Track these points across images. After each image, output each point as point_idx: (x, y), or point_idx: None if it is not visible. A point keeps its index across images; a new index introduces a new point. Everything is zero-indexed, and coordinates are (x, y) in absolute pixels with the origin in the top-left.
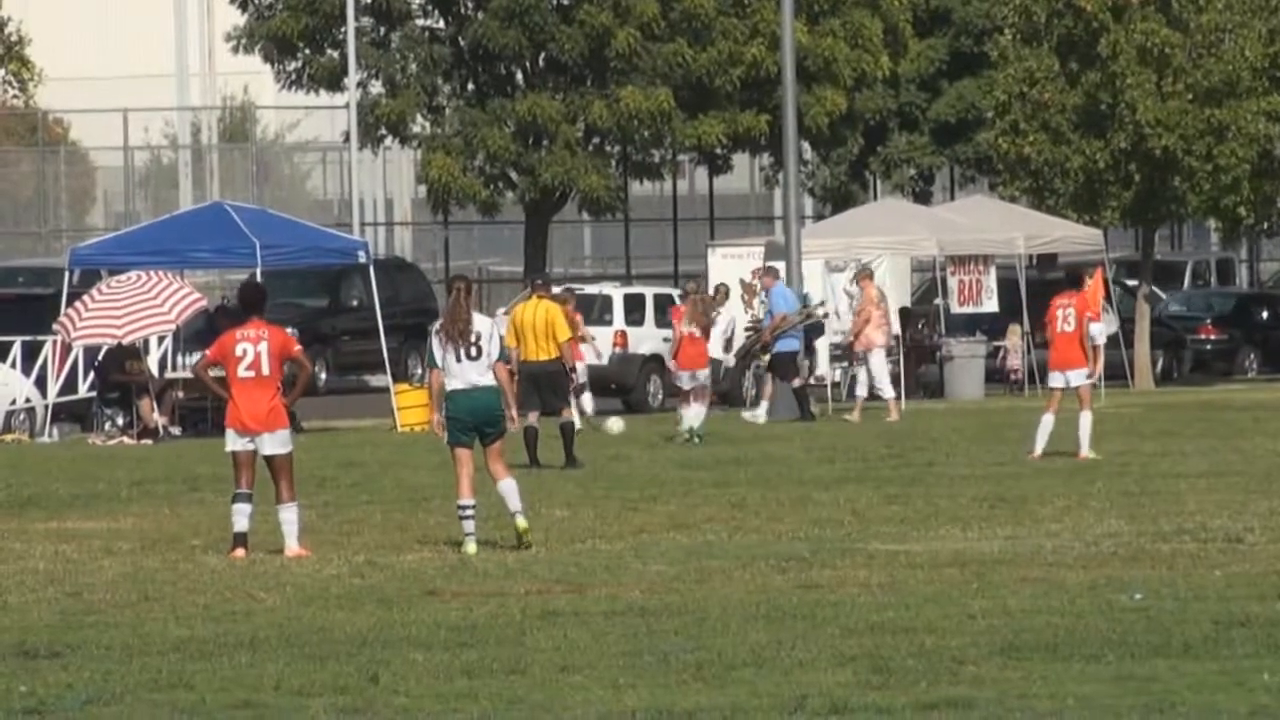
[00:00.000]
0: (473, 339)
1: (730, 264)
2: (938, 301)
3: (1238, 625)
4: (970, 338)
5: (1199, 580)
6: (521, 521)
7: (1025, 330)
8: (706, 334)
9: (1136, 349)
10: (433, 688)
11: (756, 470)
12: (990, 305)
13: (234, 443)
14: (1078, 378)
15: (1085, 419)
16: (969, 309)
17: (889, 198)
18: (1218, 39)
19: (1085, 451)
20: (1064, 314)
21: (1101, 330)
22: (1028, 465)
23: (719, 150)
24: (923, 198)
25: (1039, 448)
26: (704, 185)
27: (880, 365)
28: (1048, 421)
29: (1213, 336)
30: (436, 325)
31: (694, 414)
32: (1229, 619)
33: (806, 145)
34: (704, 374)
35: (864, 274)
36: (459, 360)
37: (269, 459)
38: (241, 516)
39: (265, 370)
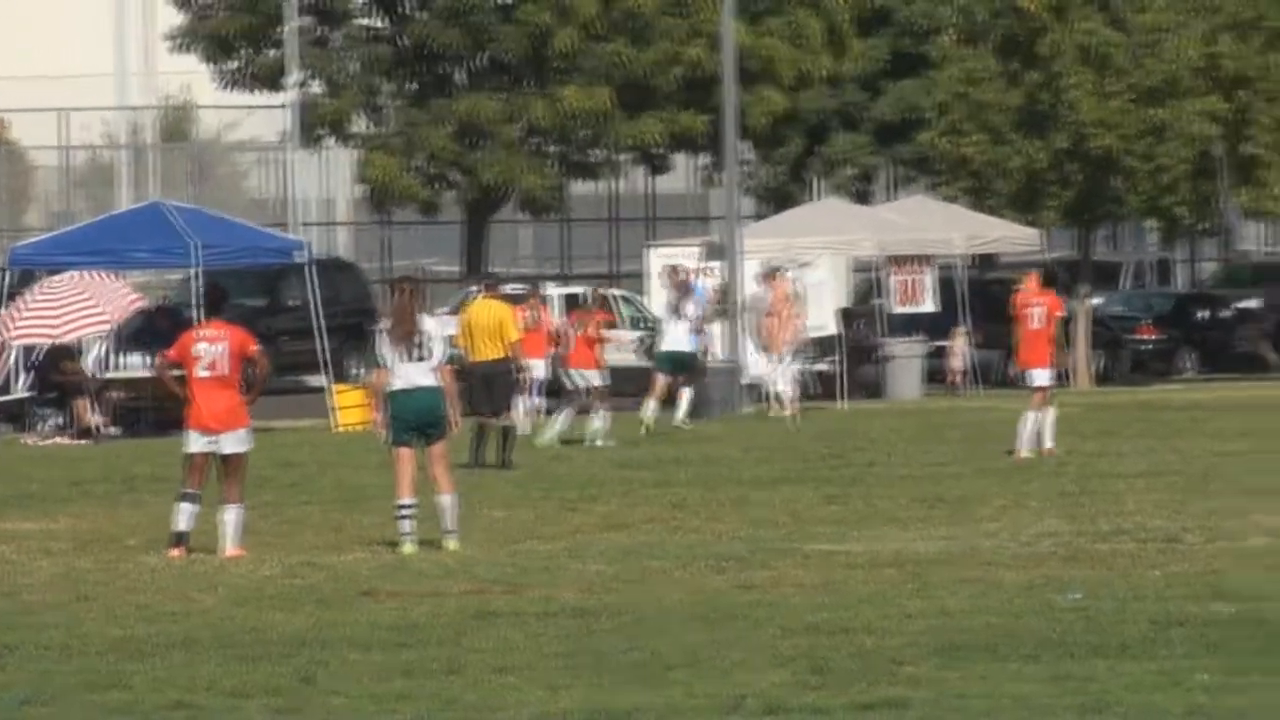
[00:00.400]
0: (418, 340)
1: (669, 264)
2: (877, 301)
3: (1175, 625)
4: (910, 338)
5: (1137, 580)
6: (452, 544)
7: (966, 330)
8: (598, 340)
9: (1075, 349)
10: (369, 688)
11: (695, 470)
12: (930, 305)
13: (195, 444)
14: (1040, 377)
15: (1032, 418)
16: (909, 309)
17: (829, 198)
18: (1157, 39)
19: (1024, 452)
20: (1034, 312)
21: None
22: (965, 466)
23: (658, 150)
24: (863, 198)
25: (1023, 447)
26: (643, 185)
27: (787, 364)
28: (1031, 419)
29: (1151, 337)
30: (383, 324)
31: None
32: (1166, 619)
33: (746, 145)
34: (593, 375)
35: (772, 274)
36: (404, 360)
37: (227, 458)
38: (184, 516)
39: (225, 370)
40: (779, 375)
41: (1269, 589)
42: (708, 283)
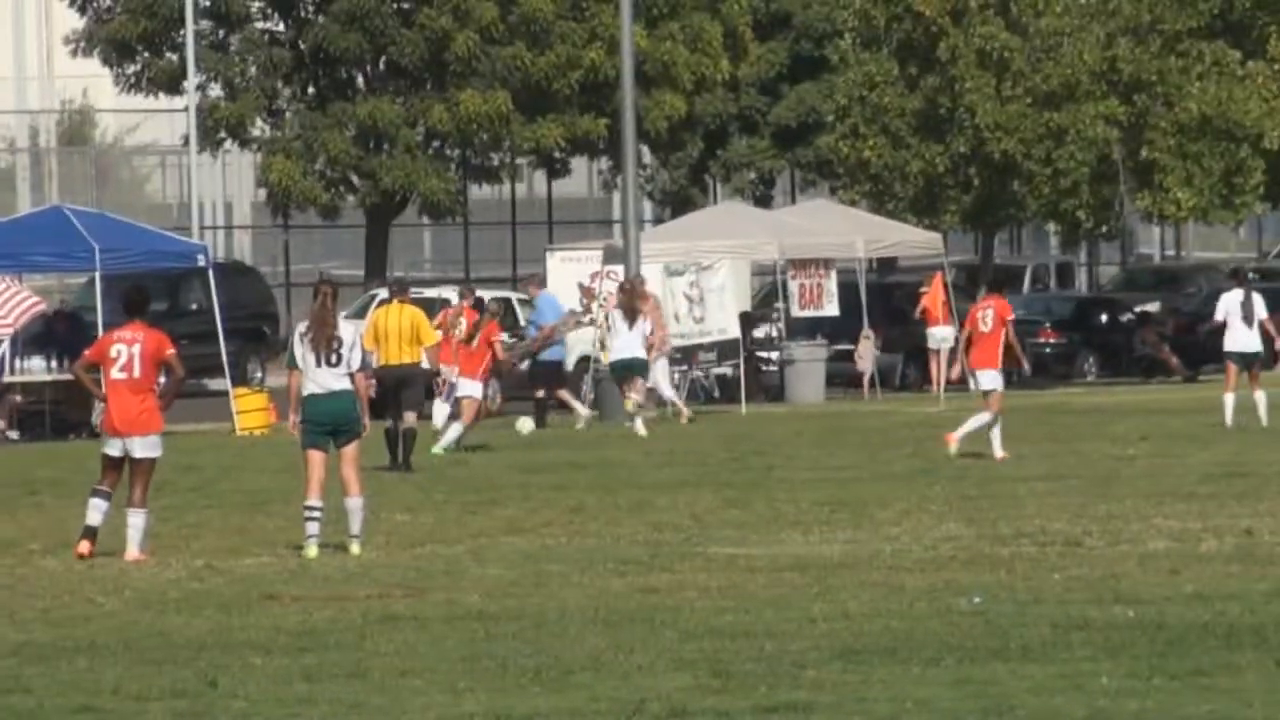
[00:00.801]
0: (335, 345)
1: (569, 267)
2: (779, 305)
3: (1076, 628)
4: (811, 341)
5: (1038, 584)
6: (355, 548)
7: (866, 334)
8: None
9: None
10: (272, 692)
11: (595, 474)
12: (831, 309)
13: (111, 447)
14: (987, 380)
15: (982, 419)
16: (810, 313)
17: (729, 201)
18: (1056, 43)
19: (956, 439)
20: (983, 315)
21: (950, 334)
22: (866, 470)
23: (558, 154)
24: (763, 201)
25: (996, 449)
26: (543, 189)
27: (662, 370)
28: (980, 419)
29: (1052, 340)
30: (302, 327)
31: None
32: (1067, 622)
33: (646, 149)
34: (467, 385)
35: (640, 282)
36: (318, 365)
37: (135, 461)
38: (96, 512)
39: (137, 373)
40: (657, 381)
41: (1169, 592)
42: (552, 298)
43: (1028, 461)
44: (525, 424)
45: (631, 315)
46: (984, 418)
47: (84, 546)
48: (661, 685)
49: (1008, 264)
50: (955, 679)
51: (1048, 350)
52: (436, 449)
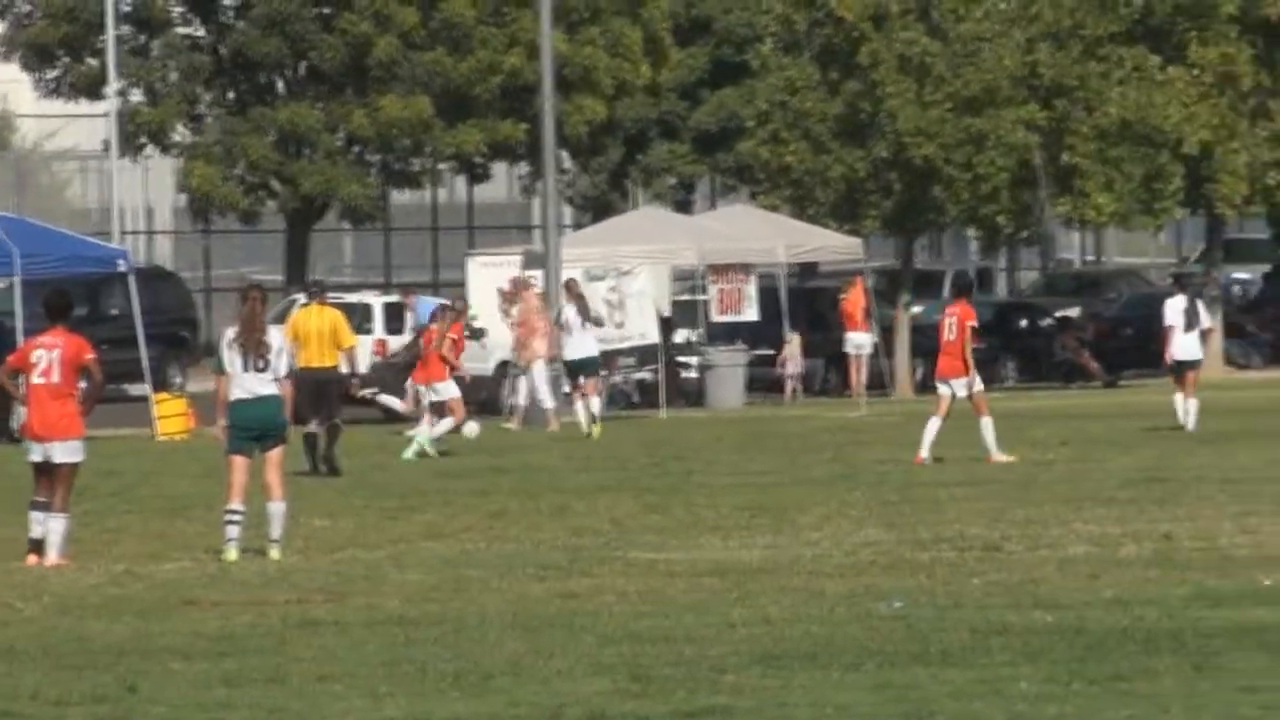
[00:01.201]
0: (263, 350)
1: (490, 273)
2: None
3: (995, 633)
4: (731, 346)
5: (957, 588)
6: (275, 553)
7: (789, 338)
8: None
9: (896, 357)
10: (192, 697)
11: (516, 479)
12: (750, 314)
13: (34, 453)
14: (961, 386)
15: (985, 424)
16: (729, 318)
17: (649, 206)
18: (977, 48)
19: (996, 455)
20: (949, 324)
21: (868, 340)
22: (786, 475)
23: (478, 159)
24: (683, 206)
25: (924, 451)
26: (464, 194)
27: (541, 375)
28: (933, 425)
29: (972, 345)
30: (230, 332)
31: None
32: (987, 627)
33: (566, 154)
34: (443, 388)
35: (524, 285)
36: (245, 370)
37: (55, 466)
38: (36, 524)
39: (56, 378)
40: (536, 387)
41: (1088, 597)
42: (427, 301)
43: (948, 466)
44: (472, 429)
45: (584, 314)
46: (935, 424)
47: (31, 559)
48: (580, 690)
49: (928, 269)
50: (875, 684)
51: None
52: (408, 454)
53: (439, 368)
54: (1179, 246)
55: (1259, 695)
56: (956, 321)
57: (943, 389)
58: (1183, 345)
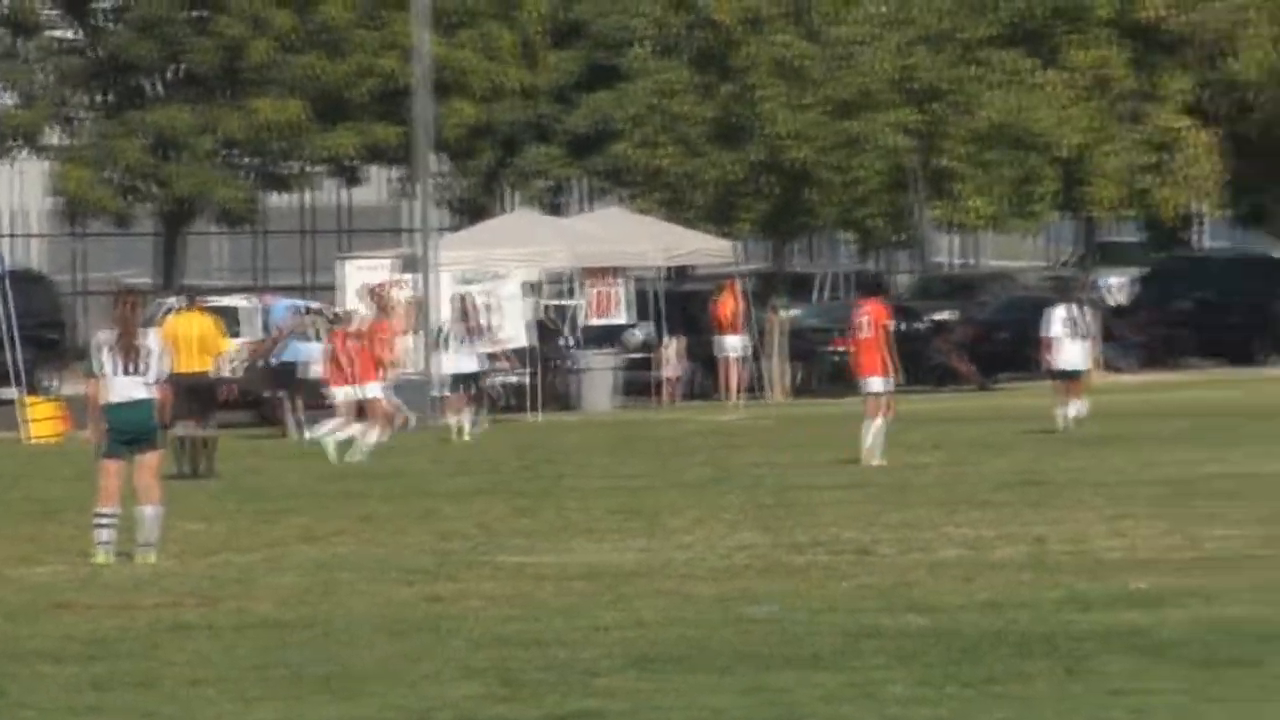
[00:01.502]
0: (138, 354)
1: (363, 276)
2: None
3: (868, 637)
4: (604, 350)
5: (831, 592)
6: (150, 557)
7: (667, 341)
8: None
9: (772, 361)
10: (62, 701)
11: (387, 483)
12: (623, 317)
13: None
14: (874, 384)
15: (879, 426)
16: (603, 320)
17: (522, 209)
18: (852, 51)
19: (872, 458)
20: (861, 321)
21: (740, 344)
22: (659, 478)
23: (352, 162)
24: (556, 209)
25: (871, 453)
26: (338, 197)
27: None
28: (868, 426)
29: (842, 349)
30: (104, 335)
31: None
32: (860, 630)
33: (440, 157)
34: (371, 388)
35: (385, 290)
36: (121, 373)
37: None
38: None
39: None
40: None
41: (962, 600)
42: (284, 303)
43: (823, 470)
44: (374, 437)
45: (472, 331)
46: (877, 423)
47: None
48: (450, 694)
49: (803, 272)
50: (747, 687)
51: (836, 359)
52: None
53: (367, 365)
54: (1052, 250)
55: (1129, 698)
56: (870, 319)
57: (868, 386)
58: (1070, 354)
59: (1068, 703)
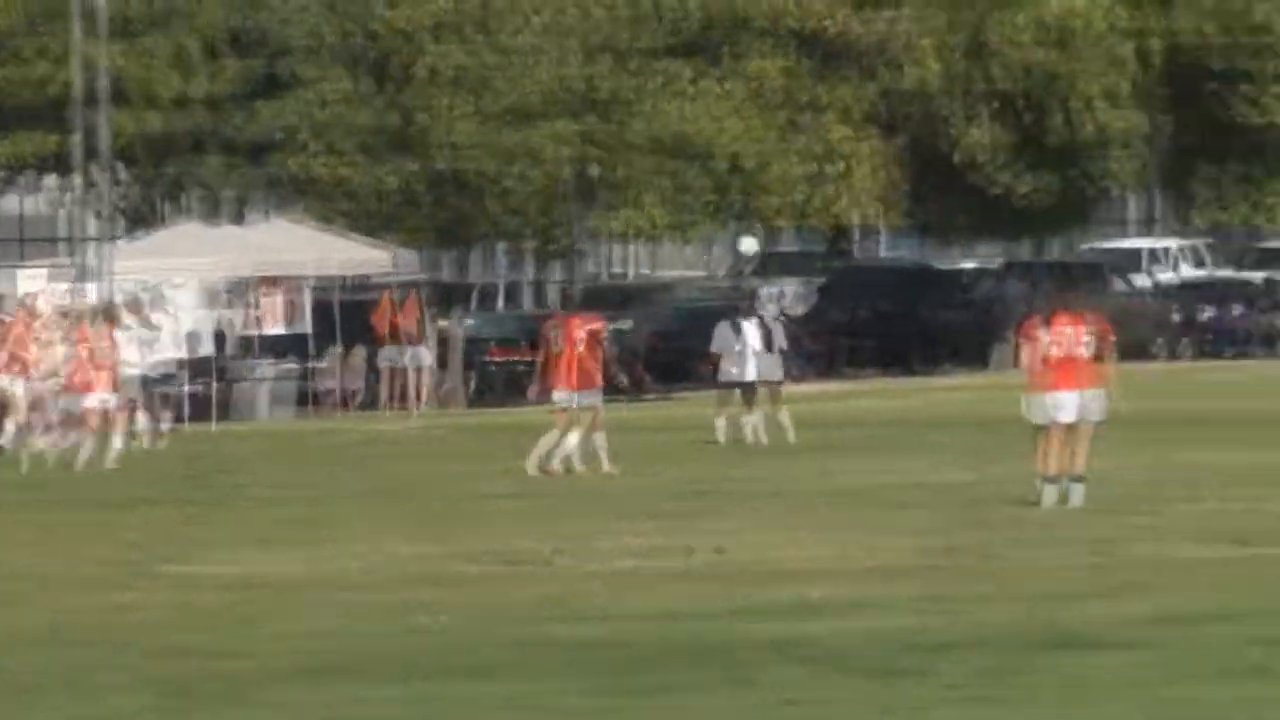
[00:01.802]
0: None
1: (36, 286)
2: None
3: (540, 646)
4: (279, 360)
5: (504, 601)
6: None
7: (339, 350)
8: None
9: (447, 371)
10: None
11: (61, 491)
12: (300, 327)
13: None
14: (584, 397)
15: (573, 439)
16: (276, 330)
17: (194, 219)
18: (512, 62)
19: (542, 465)
20: (553, 335)
21: (395, 355)
22: (333, 488)
23: (19, 171)
24: (230, 219)
25: (548, 459)
26: (9, 205)
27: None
28: (552, 436)
29: (498, 359)
30: None
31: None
32: (533, 640)
33: (119, 165)
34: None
35: (31, 298)
36: None
37: None
38: None
39: None
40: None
41: (637, 609)
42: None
43: (497, 479)
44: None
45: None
46: (553, 436)
47: None
48: (124, 704)
49: (459, 282)
50: (417, 697)
51: (494, 370)
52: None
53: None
54: (708, 260)
55: (800, 708)
56: (563, 334)
57: (561, 399)
58: (763, 365)
59: (740, 713)
